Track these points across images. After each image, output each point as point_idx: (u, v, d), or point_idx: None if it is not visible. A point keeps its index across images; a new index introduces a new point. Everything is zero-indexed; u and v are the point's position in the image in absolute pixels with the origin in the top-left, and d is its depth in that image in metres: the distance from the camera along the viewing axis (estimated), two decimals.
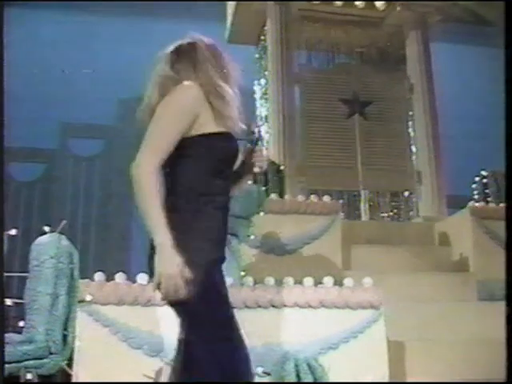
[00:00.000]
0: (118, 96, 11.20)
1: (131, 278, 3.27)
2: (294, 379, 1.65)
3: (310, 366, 1.70)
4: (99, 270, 3.19)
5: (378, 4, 6.50)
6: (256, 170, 2.13)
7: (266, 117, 6.38)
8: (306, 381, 1.66)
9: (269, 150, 5.94)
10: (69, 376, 2.97)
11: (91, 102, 10.51)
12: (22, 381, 1.73)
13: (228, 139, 1.99)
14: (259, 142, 2.15)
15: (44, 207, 10.73)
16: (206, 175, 1.96)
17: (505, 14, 1.78)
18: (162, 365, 3.06)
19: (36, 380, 1.75)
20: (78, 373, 2.96)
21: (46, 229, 1.87)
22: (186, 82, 1.94)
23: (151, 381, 3.03)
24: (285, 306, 3.27)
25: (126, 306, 3.14)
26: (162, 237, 1.73)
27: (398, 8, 6.61)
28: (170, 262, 1.70)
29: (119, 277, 3.24)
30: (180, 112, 1.91)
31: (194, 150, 1.94)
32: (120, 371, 3.02)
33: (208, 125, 1.94)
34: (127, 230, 11.41)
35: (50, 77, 10.25)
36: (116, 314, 3.11)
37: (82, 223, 11.25)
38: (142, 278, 3.23)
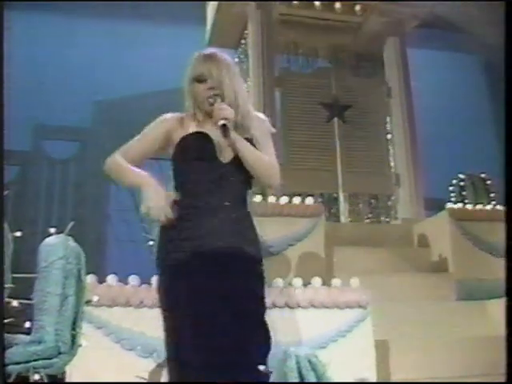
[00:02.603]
0: (92, 98, 11.13)
1: (123, 280, 3.29)
2: (296, 376, 1.70)
3: (311, 363, 1.74)
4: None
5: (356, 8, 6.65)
6: (221, 122, 2.09)
7: None
8: (308, 377, 1.71)
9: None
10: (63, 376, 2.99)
11: (65, 103, 10.42)
12: (31, 381, 1.74)
13: (189, 138, 2.17)
14: (218, 99, 2.13)
15: (18, 210, 10.59)
16: (182, 176, 2.17)
17: (505, 14, 1.85)
18: (155, 366, 3.09)
19: (45, 379, 1.76)
20: (72, 374, 2.98)
21: (52, 230, 1.89)
22: None
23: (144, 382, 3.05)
24: (275, 306, 3.32)
25: (118, 308, 3.15)
26: (142, 179, 2.09)
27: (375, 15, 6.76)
28: (156, 197, 2.02)
29: (111, 279, 3.25)
30: (148, 131, 2.27)
31: (173, 157, 2.21)
32: (113, 372, 3.04)
33: (177, 136, 2.20)
34: (102, 233, 11.33)
35: (23, 77, 10.12)
36: (108, 316, 3.12)
37: (56, 226, 11.16)
38: (133, 279, 3.26)
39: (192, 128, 2.20)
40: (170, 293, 2.07)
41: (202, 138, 2.16)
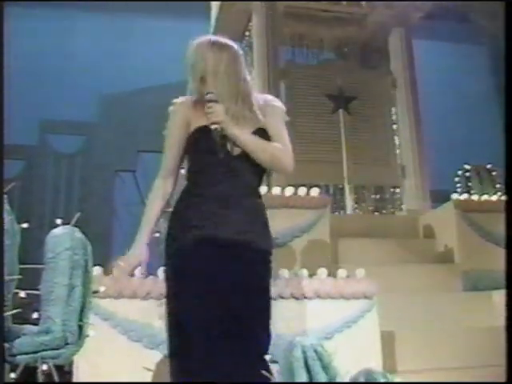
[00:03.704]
0: (98, 92, 11.13)
1: None
2: (302, 365, 1.70)
3: (317, 352, 1.75)
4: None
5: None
6: (213, 127, 2.10)
7: None
8: (314, 366, 1.71)
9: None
10: (70, 368, 3.01)
11: (71, 98, 10.43)
12: (40, 371, 1.76)
13: (201, 131, 2.17)
14: (209, 95, 2.12)
15: (24, 204, 10.62)
16: (194, 167, 2.21)
17: (505, 14, 1.85)
18: (162, 357, 3.10)
19: (53, 370, 1.78)
20: (79, 365, 3.01)
21: (58, 221, 1.91)
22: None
23: (151, 373, 3.07)
24: (281, 297, 3.33)
25: (124, 300, 3.17)
26: (137, 242, 2.25)
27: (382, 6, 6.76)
28: (127, 257, 2.24)
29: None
30: (169, 130, 2.27)
31: (187, 147, 2.23)
32: (120, 364, 3.06)
33: (193, 125, 2.21)
34: (108, 226, 11.36)
35: (28, 72, 10.14)
36: (115, 308, 3.14)
37: (62, 221, 11.18)
38: (139, 271, 3.26)
39: (203, 118, 2.18)
40: (175, 277, 2.10)
41: (209, 131, 2.16)
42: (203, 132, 2.17)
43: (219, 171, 2.13)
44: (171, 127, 2.27)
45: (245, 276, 2.06)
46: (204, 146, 2.16)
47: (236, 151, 2.15)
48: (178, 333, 2.03)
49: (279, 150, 2.19)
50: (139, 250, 2.23)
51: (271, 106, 2.29)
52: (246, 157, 2.15)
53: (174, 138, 2.26)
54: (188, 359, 1.96)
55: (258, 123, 2.20)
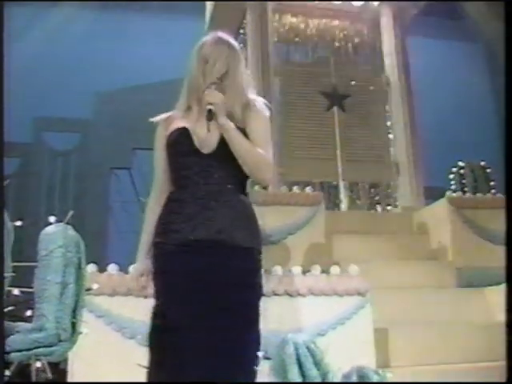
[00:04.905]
0: (93, 90, 11.12)
1: (123, 269, 3.31)
2: (294, 362, 1.72)
3: (309, 349, 1.76)
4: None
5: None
6: (207, 107, 2.06)
7: None
8: (306, 363, 1.73)
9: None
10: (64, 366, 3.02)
11: (66, 95, 10.42)
12: (34, 369, 1.77)
13: (173, 133, 2.19)
14: (211, 86, 2.11)
15: (20, 202, 10.62)
16: (172, 171, 2.21)
17: (505, 14, 1.85)
18: None
19: (46, 367, 1.79)
20: (73, 362, 3.02)
21: (52, 219, 1.91)
22: None
23: (145, 370, 3.07)
24: (275, 294, 3.34)
25: (119, 297, 3.18)
26: (139, 253, 2.25)
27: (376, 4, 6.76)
28: (135, 269, 2.30)
29: (111, 268, 3.28)
30: (154, 149, 2.30)
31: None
32: (114, 361, 3.07)
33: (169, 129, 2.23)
34: (103, 224, 11.36)
35: (23, 69, 10.11)
36: (109, 305, 3.15)
37: (58, 218, 11.17)
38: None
39: (178, 124, 2.19)
40: (158, 280, 2.11)
41: (180, 133, 2.16)
42: (173, 135, 2.18)
43: (192, 172, 2.12)
44: (155, 146, 2.30)
45: (227, 274, 2.02)
46: (175, 149, 2.18)
47: (207, 149, 2.12)
48: (161, 334, 2.04)
49: (263, 156, 2.11)
50: (140, 264, 2.24)
51: (261, 110, 2.23)
52: (218, 155, 2.11)
53: (158, 153, 2.28)
54: (175, 360, 1.96)
55: (241, 123, 2.17)
